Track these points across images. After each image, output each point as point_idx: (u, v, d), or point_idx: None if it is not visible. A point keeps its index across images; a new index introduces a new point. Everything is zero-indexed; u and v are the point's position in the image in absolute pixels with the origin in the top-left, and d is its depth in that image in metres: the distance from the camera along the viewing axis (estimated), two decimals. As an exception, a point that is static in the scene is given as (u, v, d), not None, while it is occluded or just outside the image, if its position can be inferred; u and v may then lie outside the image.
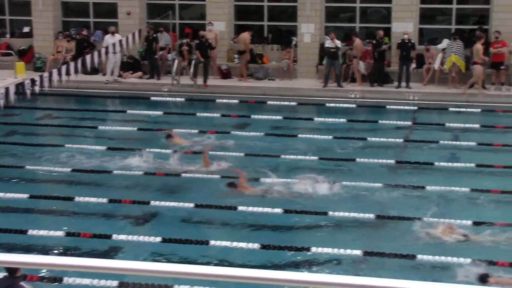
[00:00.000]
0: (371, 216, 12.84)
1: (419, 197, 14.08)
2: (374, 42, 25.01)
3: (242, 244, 11.54)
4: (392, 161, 16.27)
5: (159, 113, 21.13)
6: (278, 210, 13.03)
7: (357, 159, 16.26)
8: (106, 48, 23.21)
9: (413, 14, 25.61)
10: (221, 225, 12.87)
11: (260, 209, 13.07)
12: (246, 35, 25.80)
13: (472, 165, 15.86)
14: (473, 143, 17.65)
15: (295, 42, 26.58)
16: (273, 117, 20.53)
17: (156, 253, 11.45)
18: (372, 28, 26.39)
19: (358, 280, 3.10)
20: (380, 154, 16.83)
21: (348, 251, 11.28)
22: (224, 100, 22.77)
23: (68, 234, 12.06)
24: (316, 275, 3.17)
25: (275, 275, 3.15)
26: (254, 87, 24.78)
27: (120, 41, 23.29)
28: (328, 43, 24.71)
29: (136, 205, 13.51)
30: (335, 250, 11.29)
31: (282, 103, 22.41)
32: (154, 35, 26.01)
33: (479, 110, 21.26)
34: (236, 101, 22.72)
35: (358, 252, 11.31)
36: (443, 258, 11.05)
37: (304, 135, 18.72)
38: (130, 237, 11.87)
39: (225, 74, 26.35)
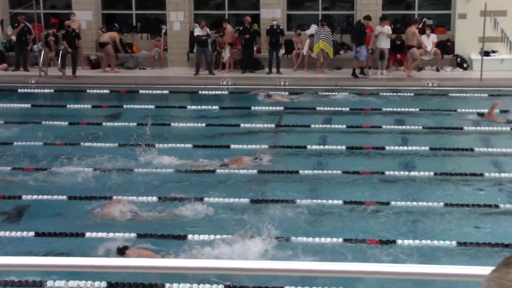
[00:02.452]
0: (246, 200, 12.95)
1: (293, 180, 14.29)
2: (241, 28, 25.19)
3: (119, 235, 11.37)
4: (265, 146, 16.44)
5: (27, 105, 20.48)
6: (154, 198, 12.94)
7: (231, 146, 16.34)
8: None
9: (280, 0, 25.94)
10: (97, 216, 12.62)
11: (135, 198, 12.94)
12: (113, 34, 25.48)
13: (343, 147, 16.25)
14: (343, 126, 18.10)
15: (164, 30, 26.41)
16: (145, 106, 20.35)
17: (30, 248, 11.09)
18: (241, 15, 26.56)
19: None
20: (253, 139, 16.97)
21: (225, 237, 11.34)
22: (95, 91, 22.35)
23: None
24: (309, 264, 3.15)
25: (274, 265, 3.10)
26: (125, 77, 24.47)
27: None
28: (198, 31, 24.69)
29: (7, 200, 13.06)
30: (212, 236, 11.31)
31: (154, 92, 22.23)
32: (29, 26, 25.08)
33: (347, 93, 21.81)
34: (107, 91, 22.35)
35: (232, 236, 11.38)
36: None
37: (177, 124, 18.65)
38: (1, 233, 11.47)
39: (94, 64, 25.86)
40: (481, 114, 18.70)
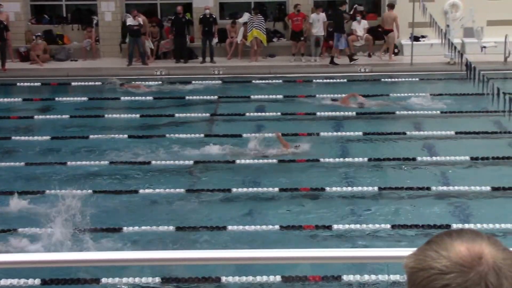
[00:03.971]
0: (181, 191, 12.91)
1: (230, 169, 14.31)
2: (173, 18, 25.05)
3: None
4: (201, 135, 16.40)
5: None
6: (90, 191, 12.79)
7: (167, 135, 16.26)
8: None
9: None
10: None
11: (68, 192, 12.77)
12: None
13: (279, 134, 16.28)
14: (278, 113, 18.16)
15: (96, 21, 26.06)
16: (78, 98, 20.08)
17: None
18: (174, 4, 26.35)
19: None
20: (188, 129, 16.92)
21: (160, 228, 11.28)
22: (25, 84, 21.95)
23: None
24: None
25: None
26: (57, 69, 24.05)
27: None
28: (130, 21, 24.43)
29: None
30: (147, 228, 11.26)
31: (87, 83, 21.93)
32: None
33: (281, 81, 21.92)
34: (38, 84, 21.98)
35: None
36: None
37: (111, 115, 18.47)
38: None
39: (24, 57, 25.34)
40: (335, 100, 19.21)
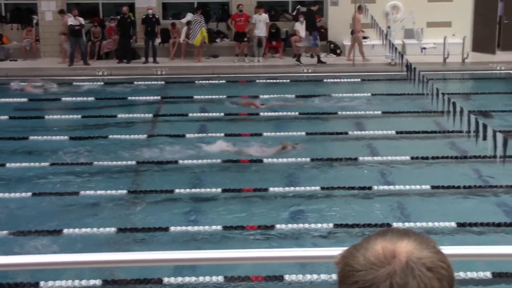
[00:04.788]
0: (123, 192, 12.81)
1: (172, 170, 14.24)
2: (119, 18, 24.87)
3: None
4: (144, 136, 16.30)
5: None
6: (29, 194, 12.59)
7: (109, 136, 16.10)
8: None
9: (155, -11, 25.74)
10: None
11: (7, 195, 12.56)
12: None
13: (222, 134, 16.28)
14: (221, 114, 18.15)
15: (36, 20, 25.69)
16: (18, 99, 19.76)
17: None
18: (116, 4, 26.17)
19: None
20: (131, 130, 16.78)
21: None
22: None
23: None
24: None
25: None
26: (-4, 69, 23.65)
27: None
28: (71, 21, 24.15)
29: None
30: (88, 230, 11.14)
31: (27, 84, 21.59)
32: None
33: (224, 81, 21.91)
34: (-24, 84, 21.60)
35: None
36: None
37: (51, 116, 18.23)
38: None
39: (-38, 57, 24.89)
40: (235, 102, 19.28)
